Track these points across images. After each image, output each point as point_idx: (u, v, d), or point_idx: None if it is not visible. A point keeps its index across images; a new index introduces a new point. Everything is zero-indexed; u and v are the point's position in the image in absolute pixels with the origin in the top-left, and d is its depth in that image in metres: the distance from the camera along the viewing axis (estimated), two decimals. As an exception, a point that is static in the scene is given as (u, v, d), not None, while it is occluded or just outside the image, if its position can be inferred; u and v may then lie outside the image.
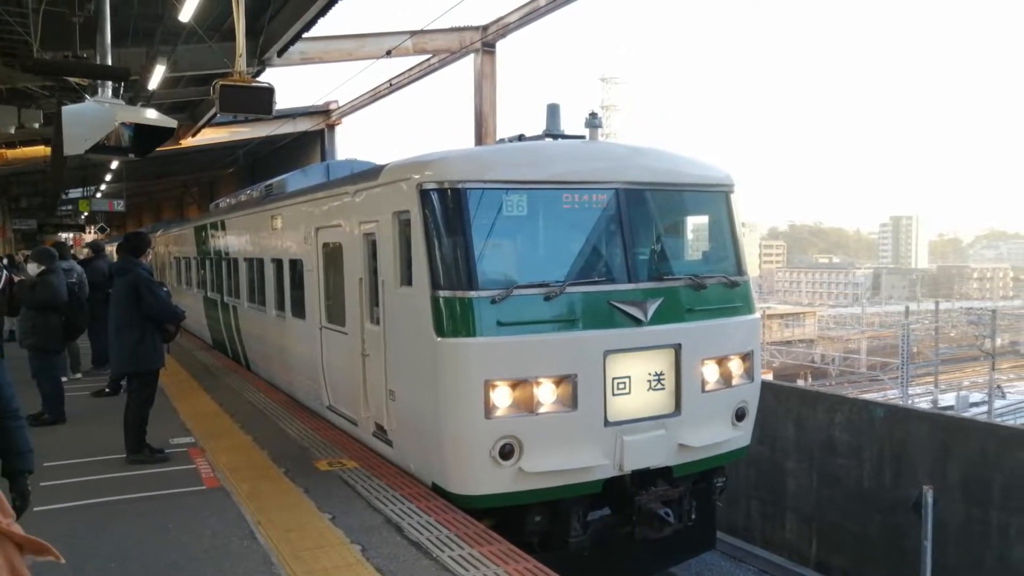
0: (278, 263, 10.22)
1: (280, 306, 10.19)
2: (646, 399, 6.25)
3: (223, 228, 13.73)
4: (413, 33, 15.53)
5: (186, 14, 9.85)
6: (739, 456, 7.16)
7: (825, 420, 11.48)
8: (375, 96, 20.66)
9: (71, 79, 10.08)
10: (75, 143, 7.74)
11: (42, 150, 21.95)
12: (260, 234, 11.22)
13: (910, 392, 33.92)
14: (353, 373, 7.51)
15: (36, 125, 16.45)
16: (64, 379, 10.16)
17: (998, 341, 43.17)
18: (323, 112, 22.91)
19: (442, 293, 5.81)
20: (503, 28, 15.25)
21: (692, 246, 7.34)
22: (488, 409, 5.70)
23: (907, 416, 10.91)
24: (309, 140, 23.88)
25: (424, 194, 6.01)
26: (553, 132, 7.21)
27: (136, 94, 13.12)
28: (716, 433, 6.68)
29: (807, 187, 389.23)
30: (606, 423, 6.04)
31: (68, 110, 7.91)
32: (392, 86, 19.20)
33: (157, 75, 11.71)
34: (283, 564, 4.94)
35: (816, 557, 11.46)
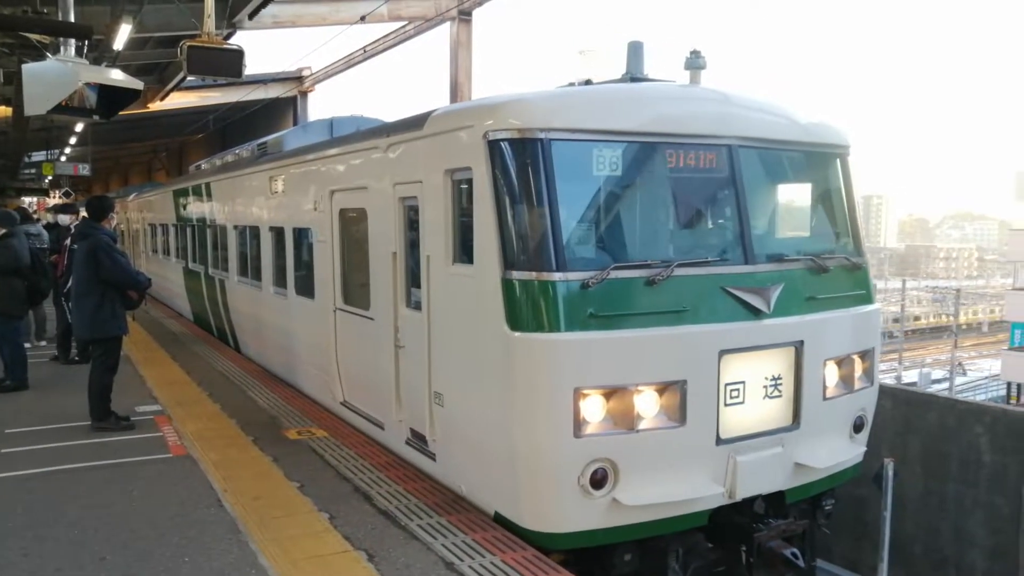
0: (278, 232, 8.99)
1: (280, 282, 8.96)
2: (762, 409, 5.11)
3: (208, 192, 12.55)
4: (388, -1, 15.22)
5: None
6: (853, 474, 5.99)
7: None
8: (349, 63, 20.33)
9: (32, 36, 9.75)
10: (36, 103, 7.52)
11: (2, 110, 21.29)
12: (255, 198, 10.02)
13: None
14: (381, 367, 6.34)
15: (-5, 84, 15.92)
16: (28, 345, 9.98)
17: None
18: (296, 79, 22.53)
19: (517, 275, 4.64)
20: (480, -5, 15.02)
21: (809, 219, 6.09)
22: (577, 424, 4.53)
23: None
24: (281, 106, 23.49)
25: (494, 146, 4.77)
26: (637, 75, 5.75)
27: (101, 54, 12.74)
28: (835, 450, 5.58)
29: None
30: (718, 441, 4.91)
31: (29, 68, 7.66)
32: (366, 53, 18.89)
33: (123, 35, 11.36)
34: (250, 532, 4.92)
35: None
